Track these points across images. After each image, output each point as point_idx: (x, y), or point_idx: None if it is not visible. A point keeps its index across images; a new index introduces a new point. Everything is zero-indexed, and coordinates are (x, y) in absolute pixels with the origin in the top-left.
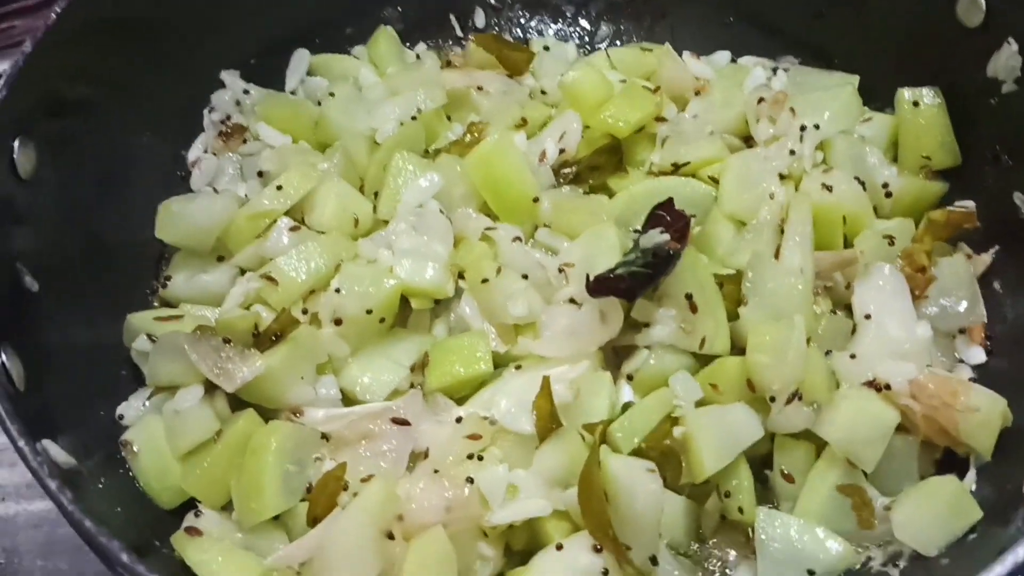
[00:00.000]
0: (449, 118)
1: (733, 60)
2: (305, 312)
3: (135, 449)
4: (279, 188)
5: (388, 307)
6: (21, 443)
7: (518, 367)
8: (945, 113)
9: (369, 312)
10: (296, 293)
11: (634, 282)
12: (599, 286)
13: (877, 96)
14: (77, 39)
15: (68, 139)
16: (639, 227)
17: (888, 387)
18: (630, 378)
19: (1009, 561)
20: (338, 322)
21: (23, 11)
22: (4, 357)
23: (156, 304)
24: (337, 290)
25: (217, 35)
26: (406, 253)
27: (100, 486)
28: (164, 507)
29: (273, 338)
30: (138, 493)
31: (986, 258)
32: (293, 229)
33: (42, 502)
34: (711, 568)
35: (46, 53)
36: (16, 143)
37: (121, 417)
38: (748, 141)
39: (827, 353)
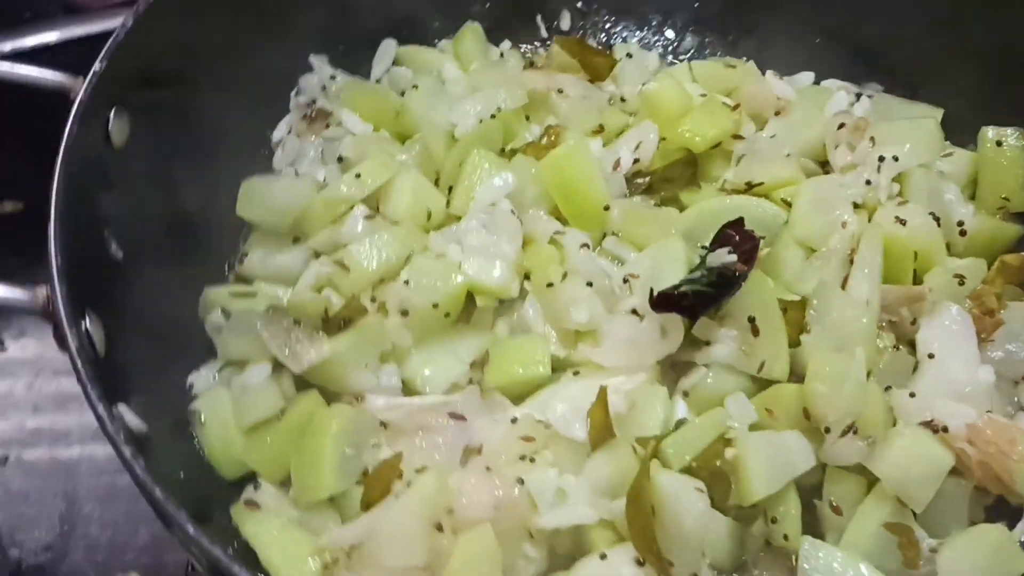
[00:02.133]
0: (528, 118)
1: (816, 82)
2: (373, 300)
3: (202, 419)
4: (357, 176)
5: (454, 302)
6: (100, 408)
7: (576, 373)
8: None
9: (435, 306)
10: (366, 281)
11: (697, 301)
12: (662, 301)
13: (960, 131)
14: (177, 12)
15: (161, 111)
16: (707, 244)
17: (945, 429)
18: (686, 395)
19: None
20: (404, 313)
21: None
22: (88, 323)
23: (232, 279)
24: (406, 282)
25: (311, 18)
26: (475, 251)
27: (168, 453)
28: (226, 478)
29: (341, 323)
30: (202, 462)
31: None
32: (368, 218)
33: (104, 448)
34: None
35: (146, 25)
36: (112, 113)
37: (191, 386)
38: (825, 166)
39: (887, 388)
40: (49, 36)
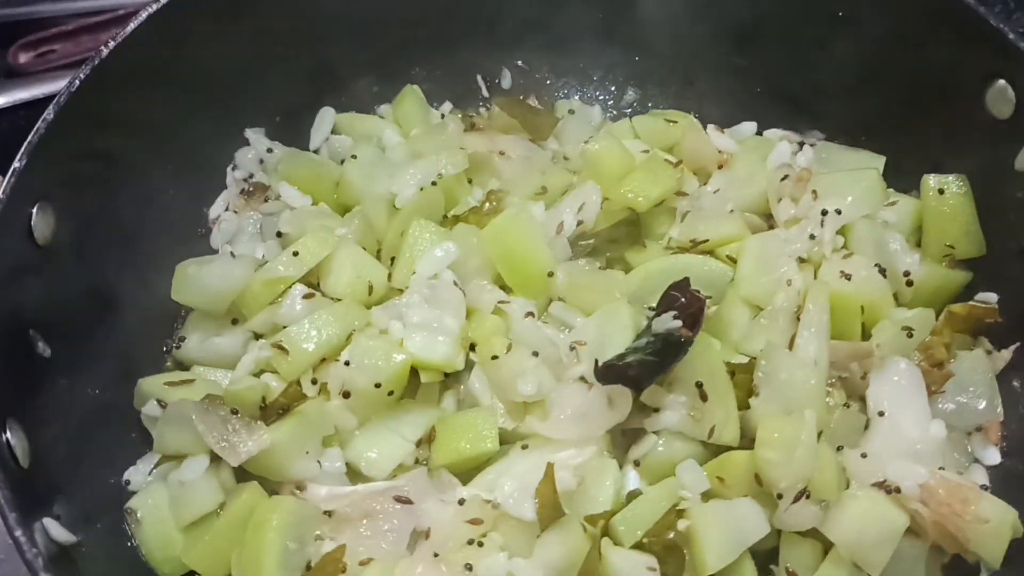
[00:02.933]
0: (470, 182)
1: (759, 131)
2: (315, 382)
3: (139, 517)
4: (295, 254)
5: (397, 381)
6: (17, 532)
7: (525, 447)
8: (971, 202)
9: (378, 386)
10: (306, 364)
11: (643, 371)
12: (607, 373)
13: (902, 177)
14: (104, 95)
15: (88, 198)
16: (654, 305)
17: (898, 490)
18: (637, 464)
19: None
20: (346, 395)
21: (62, 36)
22: (8, 434)
23: (169, 364)
24: (347, 363)
25: (246, 91)
26: (418, 327)
27: (103, 556)
28: None
29: (280, 411)
30: (140, 562)
31: (1006, 355)
32: (307, 296)
33: None
34: None
35: (69, 115)
36: (35, 209)
37: (128, 483)
38: (770, 219)
39: (838, 449)
40: None
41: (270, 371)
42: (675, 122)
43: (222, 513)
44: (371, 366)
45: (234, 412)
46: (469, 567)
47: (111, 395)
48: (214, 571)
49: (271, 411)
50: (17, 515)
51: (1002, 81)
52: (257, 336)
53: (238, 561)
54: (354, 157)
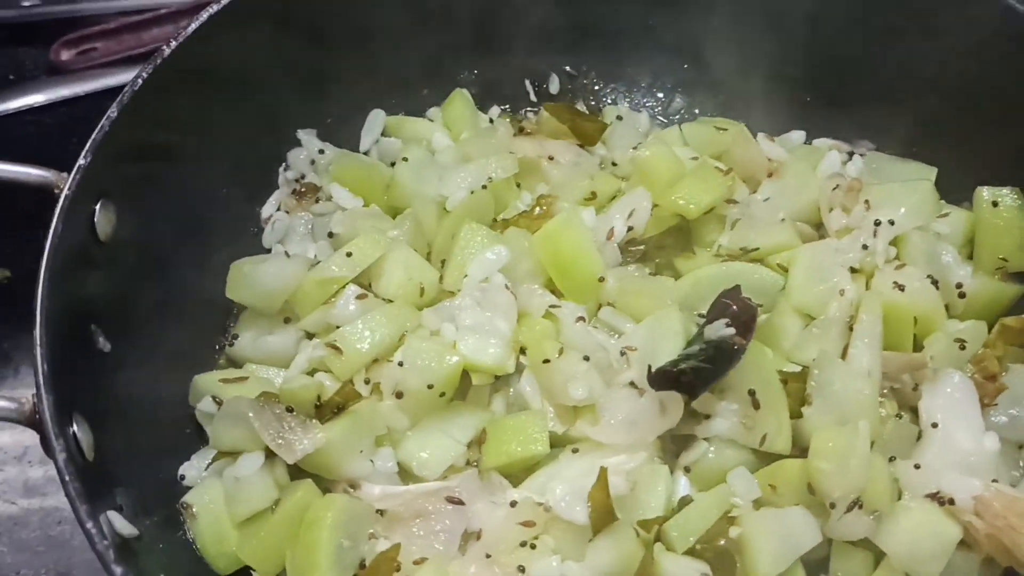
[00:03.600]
0: (519, 186)
1: (808, 141)
2: (367, 382)
3: (194, 512)
4: (348, 255)
5: (449, 382)
6: (89, 525)
7: (575, 451)
8: None
9: (430, 387)
10: (359, 363)
11: (696, 377)
12: (660, 379)
13: (955, 189)
14: (162, 96)
15: (147, 197)
16: (704, 312)
17: (952, 502)
18: (687, 470)
19: None
20: (399, 395)
21: (103, 34)
22: (75, 427)
23: (222, 362)
24: (400, 363)
25: (299, 92)
26: (470, 329)
27: (159, 550)
28: (220, 573)
29: (335, 409)
30: (195, 556)
31: None
32: (360, 297)
33: None
34: None
35: (131, 114)
36: (98, 206)
37: (183, 478)
38: (820, 228)
39: (891, 460)
40: (35, 98)
41: (323, 370)
42: (725, 129)
43: (276, 510)
44: (424, 367)
45: (289, 410)
46: (522, 569)
47: (166, 391)
48: (268, 567)
49: (325, 410)
50: (88, 507)
51: None
52: (310, 336)
53: (292, 558)
54: (405, 159)
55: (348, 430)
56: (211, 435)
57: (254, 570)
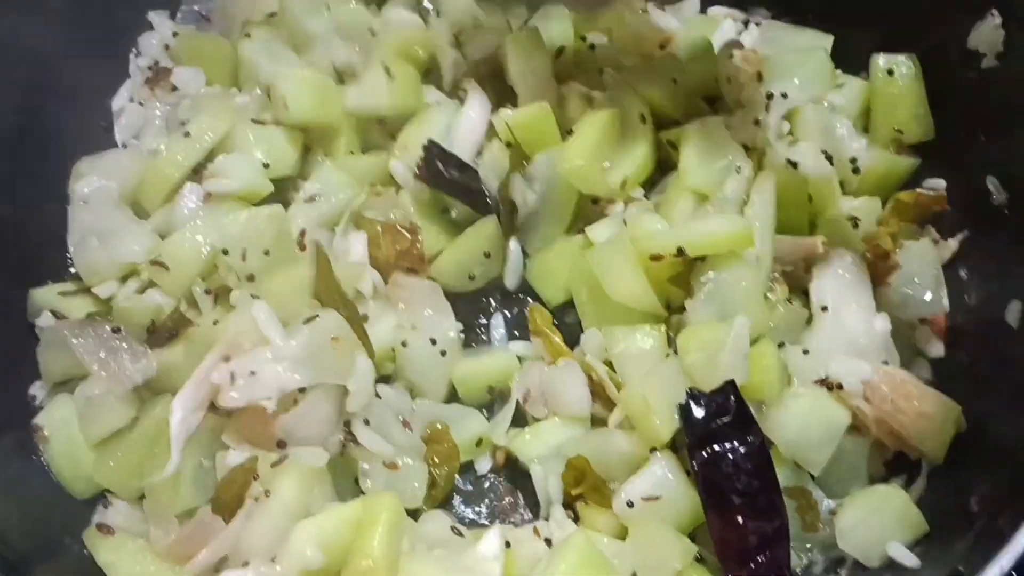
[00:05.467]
0: None
1: (702, 10)
2: (208, 292)
3: (46, 434)
4: (186, 135)
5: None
6: None
7: None
8: (921, 83)
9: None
10: (187, 280)
11: None
12: None
13: (850, 58)
14: None
15: None
16: None
17: (840, 386)
18: None
19: None
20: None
21: None
22: None
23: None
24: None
25: None
26: None
27: (11, 476)
28: (78, 497)
29: (168, 335)
30: (50, 482)
31: (953, 244)
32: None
33: None
34: None
35: None
36: None
37: (34, 398)
38: (713, 103)
39: (780, 346)
40: None
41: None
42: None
43: (134, 428)
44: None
45: (116, 331)
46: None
47: (12, 302)
48: (127, 490)
49: (160, 334)
50: None
51: None
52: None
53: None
54: (247, 36)
55: (186, 353)
56: (41, 367)
57: (112, 493)
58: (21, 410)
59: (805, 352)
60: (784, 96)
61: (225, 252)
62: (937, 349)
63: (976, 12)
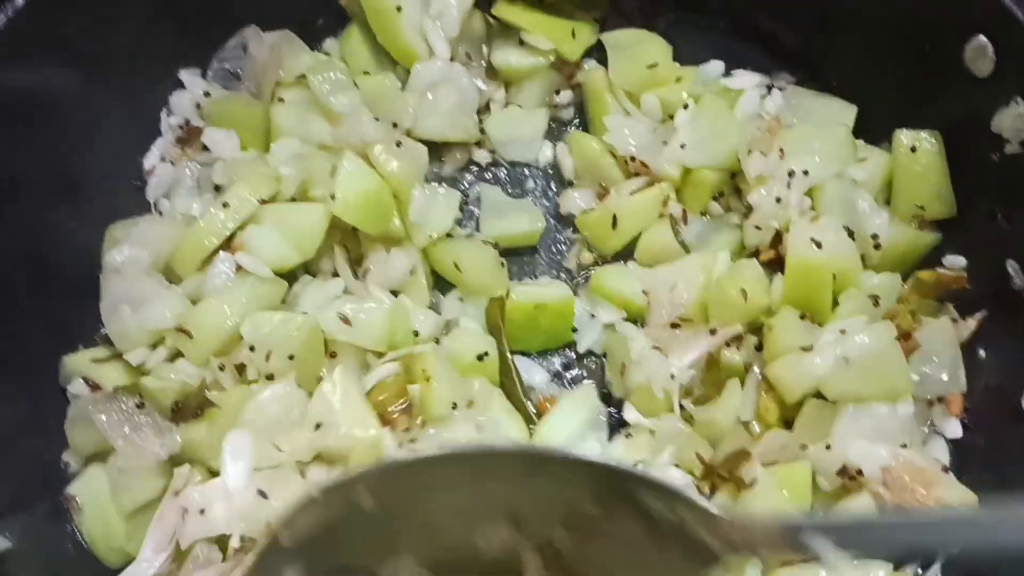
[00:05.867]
0: None
1: (727, 72)
2: (222, 368)
3: (79, 504)
4: (225, 205)
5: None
6: None
7: None
8: (943, 161)
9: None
10: (210, 348)
11: None
12: None
13: (874, 129)
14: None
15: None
16: None
17: (860, 473)
18: None
19: None
20: (270, 377)
21: None
22: None
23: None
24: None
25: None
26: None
27: (44, 544)
28: (111, 566)
29: (194, 412)
30: (83, 549)
31: (971, 323)
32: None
33: None
34: None
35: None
36: None
37: (67, 465)
38: (733, 177)
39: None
40: None
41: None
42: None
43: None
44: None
45: (140, 405)
46: None
47: (42, 372)
48: None
49: (186, 411)
50: None
51: (982, 37)
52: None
53: None
54: (280, 100)
55: (210, 430)
56: (70, 442)
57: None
58: (54, 477)
59: (827, 448)
60: (806, 173)
61: (252, 348)
62: (954, 429)
63: (1000, 97)
